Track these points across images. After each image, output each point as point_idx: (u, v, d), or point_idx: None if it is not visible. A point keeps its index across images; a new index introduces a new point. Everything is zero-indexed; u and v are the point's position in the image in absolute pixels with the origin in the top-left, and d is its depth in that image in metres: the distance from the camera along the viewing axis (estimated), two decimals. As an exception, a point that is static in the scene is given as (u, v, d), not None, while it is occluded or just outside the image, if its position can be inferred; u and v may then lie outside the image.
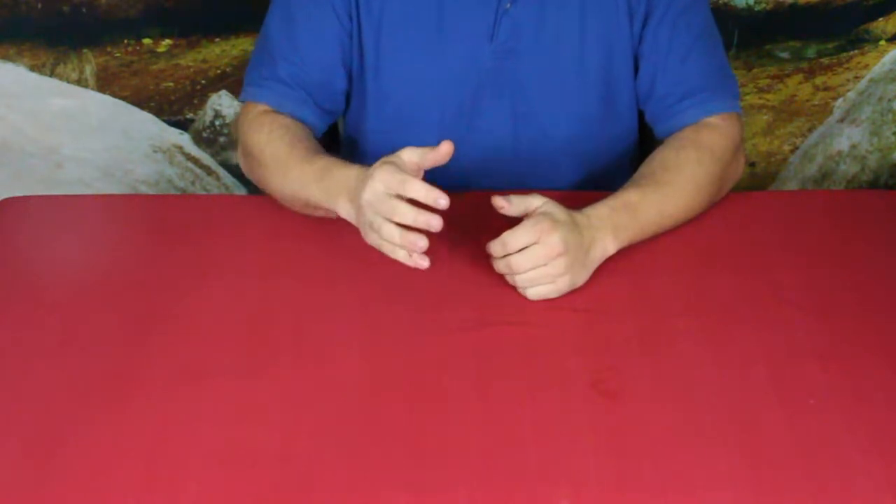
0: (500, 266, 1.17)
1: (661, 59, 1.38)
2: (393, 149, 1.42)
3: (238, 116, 1.42)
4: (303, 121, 1.38)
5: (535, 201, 1.17)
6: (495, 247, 1.16)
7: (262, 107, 1.38)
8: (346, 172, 1.21)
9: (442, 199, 1.09)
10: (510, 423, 1.01)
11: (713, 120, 1.36)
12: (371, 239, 1.15)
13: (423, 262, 1.10)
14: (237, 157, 1.43)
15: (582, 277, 1.18)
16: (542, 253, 1.14)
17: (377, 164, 1.14)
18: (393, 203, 1.10)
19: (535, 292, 1.16)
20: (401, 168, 1.12)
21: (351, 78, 1.43)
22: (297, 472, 0.97)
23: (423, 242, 1.09)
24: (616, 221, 1.22)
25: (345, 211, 1.20)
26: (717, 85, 1.38)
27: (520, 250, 1.14)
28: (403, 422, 1.02)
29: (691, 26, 1.38)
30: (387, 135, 1.44)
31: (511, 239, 1.14)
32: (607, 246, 1.21)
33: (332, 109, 1.43)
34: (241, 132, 1.39)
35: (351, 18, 1.39)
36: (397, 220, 1.10)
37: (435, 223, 1.08)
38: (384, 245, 1.12)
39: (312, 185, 1.24)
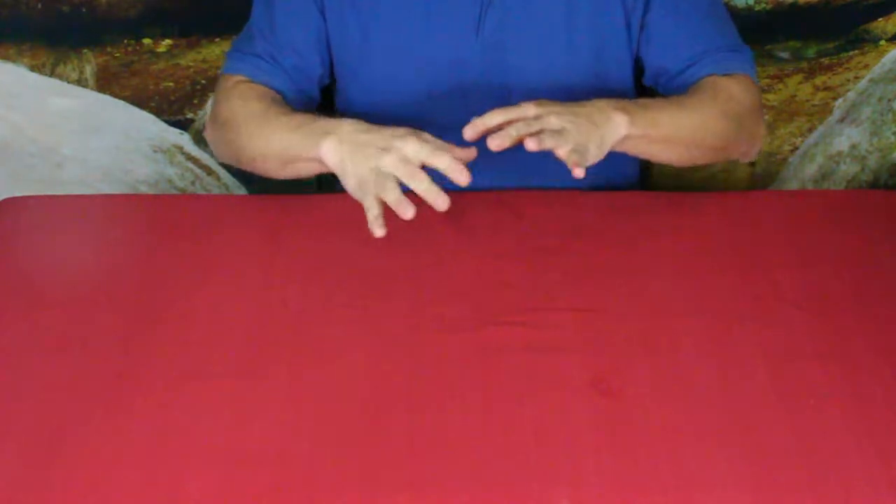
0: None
1: (671, 43, 1.37)
2: None
3: (215, 89, 1.42)
4: (279, 92, 1.38)
5: (519, 106, 1.18)
6: (471, 131, 1.16)
7: (238, 77, 1.38)
8: (332, 119, 1.22)
9: (460, 176, 1.11)
10: (510, 423, 1.02)
11: (733, 74, 1.35)
12: (356, 182, 1.16)
13: (379, 231, 1.11)
14: (206, 134, 1.42)
15: (595, 146, 1.17)
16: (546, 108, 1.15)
17: (400, 129, 1.16)
18: (413, 170, 1.12)
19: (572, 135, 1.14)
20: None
21: (332, 69, 1.43)
22: (297, 472, 0.97)
23: (411, 212, 1.10)
24: (623, 104, 1.22)
25: (327, 147, 1.19)
26: (731, 48, 1.37)
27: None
28: (403, 422, 1.02)
29: (698, 7, 1.37)
30: None
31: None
32: (617, 119, 1.20)
33: (309, 94, 1.43)
34: (214, 102, 1.40)
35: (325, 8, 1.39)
36: (410, 185, 1.12)
37: (441, 205, 1.11)
38: (380, 185, 1.12)
39: (292, 133, 1.24)
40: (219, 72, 1.43)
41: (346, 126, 1.20)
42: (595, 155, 1.18)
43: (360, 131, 1.19)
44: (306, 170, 1.25)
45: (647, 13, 1.37)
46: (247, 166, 1.33)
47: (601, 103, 1.21)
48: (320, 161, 1.21)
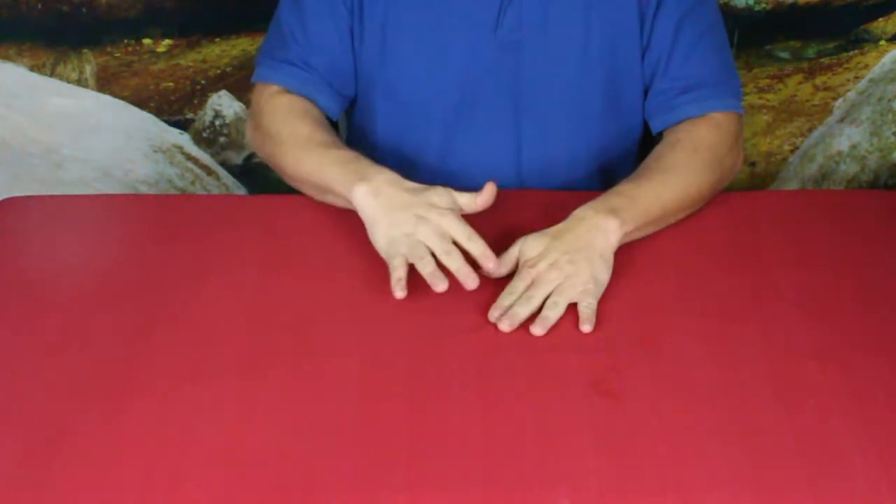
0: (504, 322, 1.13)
1: (665, 54, 1.38)
2: (401, 142, 1.43)
3: (252, 96, 1.43)
4: (317, 104, 1.39)
5: (514, 249, 1.20)
6: (495, 313, 1.14)
7: (276, 87, 1.39)
8: (368, 163, 1.24)
9: (490, 263, 1.15)
10: (510, 423, 1.01)
11: (711, 116, 1.36)
12: (387, 241, 1.18)
13: (400, 293, 1.13)
14: (246, 135, 1.44)
15: (599, 269, 1.17)
16: (533, 278, 1.16)
17: (438, 194, 1.19)
18: (449, 247, 1.15)
19: (560, 309, 1.14)
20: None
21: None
22: (297, 472, 0.97)
23: (444, 286, 1.12)
24: (610, 205, 1.22)
25: (361, 194, 1.21)
26: (717, 82, 1.38)
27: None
28: (403, 422, 1.02)
29: (697, 24, 1.38)
30: (395, 127, 1.45)
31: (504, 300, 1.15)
32: (608, 226, 1.20)
33: (346, 93, 1.44)
34: (255, 112, 1.40)
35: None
36: (444, 261, 1.14)
37: (471, 284, 1.13)
38: (414, 253, 1.15)
39: (330, 167, 1.26)
40: (251, 79, 1.43)
41: (382, 177, 1.21)
42: (604, 277, 1.18)
43: (397, 189, 1.20)
44: (339, 203, 1.26)
45: (655, 19, 1.38)
46: (287, 181, 1.35)
47: (587, 212, 1.21)
48: (350, 202, 1.23)
